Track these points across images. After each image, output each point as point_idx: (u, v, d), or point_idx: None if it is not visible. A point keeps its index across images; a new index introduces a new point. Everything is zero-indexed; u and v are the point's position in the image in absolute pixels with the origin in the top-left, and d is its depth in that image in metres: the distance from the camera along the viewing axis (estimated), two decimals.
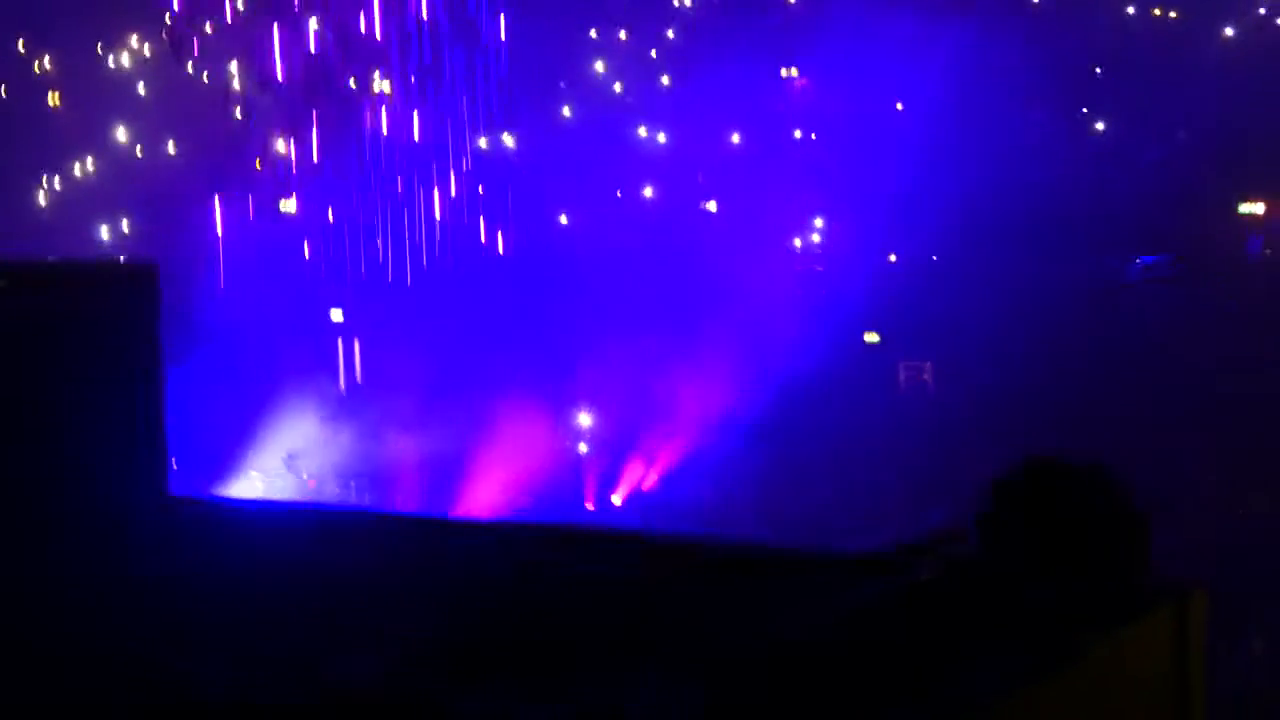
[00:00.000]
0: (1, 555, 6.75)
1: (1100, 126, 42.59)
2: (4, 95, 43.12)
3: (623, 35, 43.63)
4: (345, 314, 41.37)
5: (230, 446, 35.55)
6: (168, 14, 42.11)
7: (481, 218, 41.29)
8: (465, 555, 7.03)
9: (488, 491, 35.36)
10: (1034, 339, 37.44)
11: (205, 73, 41.05)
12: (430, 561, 6.96)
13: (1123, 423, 33.60)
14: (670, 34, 43.53)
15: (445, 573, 6.84)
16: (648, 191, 43.05)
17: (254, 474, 34.78)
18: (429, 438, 36.69)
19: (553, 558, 6.94)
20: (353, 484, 34.84)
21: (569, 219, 42.46)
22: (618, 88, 43.63)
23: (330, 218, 41.09)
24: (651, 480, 35.84)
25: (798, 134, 42.70)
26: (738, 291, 38.55)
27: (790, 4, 43.76)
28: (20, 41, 44.15)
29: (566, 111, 43.49)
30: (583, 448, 38.10)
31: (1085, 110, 42.53)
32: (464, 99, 41.58)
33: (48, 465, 7.04)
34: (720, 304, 38.37)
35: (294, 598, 6.52)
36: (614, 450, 36.97)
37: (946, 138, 39.78)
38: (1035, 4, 43.17)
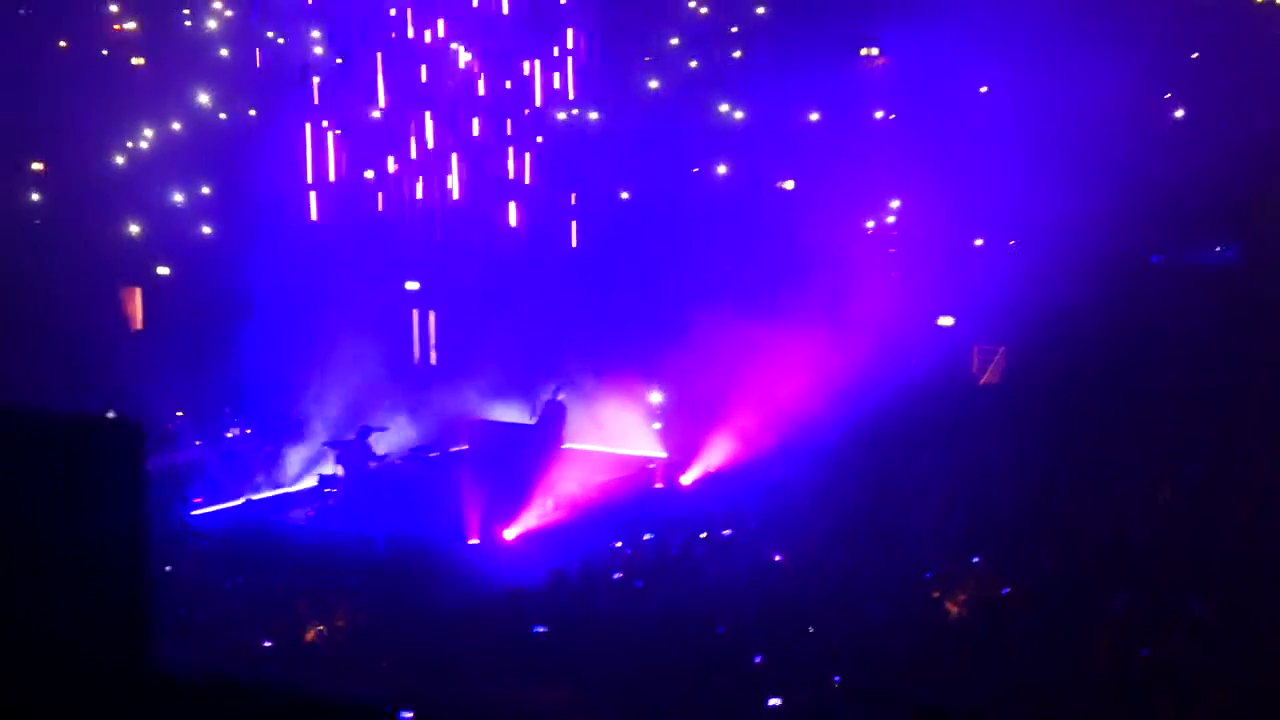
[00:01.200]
0: None
1: (1180, 114, 42.66)
2: (104, 54, 43.89)
3: (703, 10, 44.10)
4: (422, 285, 41.80)
5: (303, 421, 36.11)
6: None
7: (557, 192, 41.93)
8: None
9: (566, 469, 36.38)
10: (1107, 324, 37.67)
11: (281, 37, 41.88)
12: None
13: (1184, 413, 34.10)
14: (754, 10, 43.88)
15: None
16: (723, 169, 43.50)
17: (328, 450, 35.13)
18: (506, 414, 37.52)
19: None
20: (430, 457, 35.66)
21: (644, 195, 42.88)
22: (693, 64, 44.05)
23: (407, 187, 41.88)
24: (718, 461, 36.54)
25: (878, 114, 43.10)
26: (811, 271, 38.95)
27: None
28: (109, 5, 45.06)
29: (648, 85, 43.90)
30: (656, 426, 38.97)
31: (1169, 95, 42.60)
32: (542, 71, 42.29)
33: (18, 634, 6.59)
34: (792, 284, 38.83)
35: None
36: (686, 430, 37.29)
37: (1028, 121, 39.87)
38: None
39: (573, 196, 42.35)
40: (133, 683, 6.71)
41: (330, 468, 35.06)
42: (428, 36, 42.16)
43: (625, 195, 42.85)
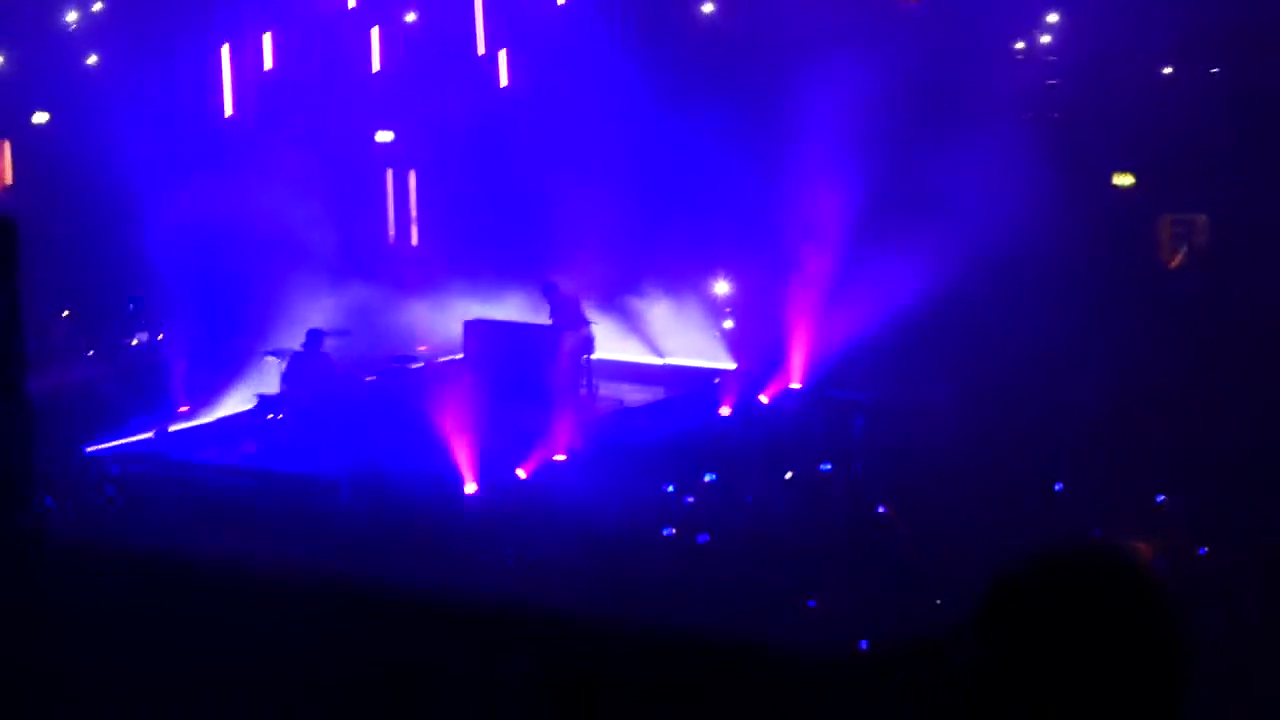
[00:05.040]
0: None
1: None
2: None
3: None
4: (398, 138, 41.13)
5: (234, 323, 35.68)
6: None
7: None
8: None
9: (596, 385, 36.44)
10: None
11: None
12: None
13: None
14: None
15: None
16: None
17: (270, 361, 34.76)
18: (512, 311, 37.46)
19: None
20: (411, 369, 35.36)
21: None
22: None
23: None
24: (808, 375, 36.09)
25: None
26: (940, 110, 38.28)
27: None
28: None
29: None
30: (728, 324, 38.66)
31: None
32: None
33: None
34: (915, 127, 38.16)
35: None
36: (765, 331, 37.16)
37: None
38: None
39: None
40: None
41: (273, 386, 34.62)
42: None
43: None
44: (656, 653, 21.75)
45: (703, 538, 28.25)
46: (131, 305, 36.34)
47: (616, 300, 38.65)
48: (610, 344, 37.73)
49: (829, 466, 31.26)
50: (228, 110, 38.80)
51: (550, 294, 36.67)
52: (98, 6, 41.17)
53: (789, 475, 30.83)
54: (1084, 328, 34.81)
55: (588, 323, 36.36)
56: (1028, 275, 36.22)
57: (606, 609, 24.68)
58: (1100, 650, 4.58)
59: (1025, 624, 4.64)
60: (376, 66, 41.29)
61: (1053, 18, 41.70)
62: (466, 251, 39.17)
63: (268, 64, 39.62)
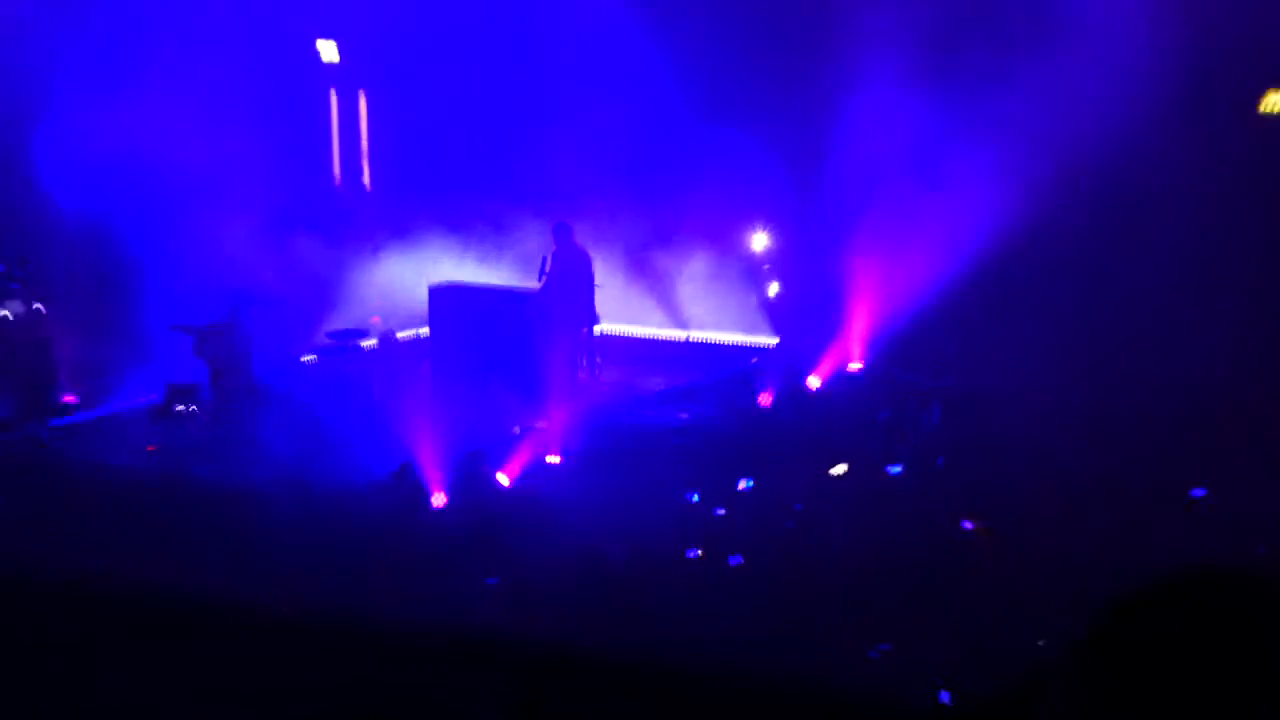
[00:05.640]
0: None
1: None
2: None
3: None
4: (342, 50, 39.64)
5: (136, 289, 33.87)
6: None
7: None
8: None
9: (603, 367, 35.28)
10: None
11: None
12: None
13: None
14: None
15: None
16: None
17: (182, 336, 32.98)
18: (494, 274, 35.84)
19: None
20: (361, 347, 34.40)
21: None
22: None
23: None
24: (868, 353, 34.95)
25: None
26: (1035, 29, 35.79)
27: None
28: None
29: None
30: (772, 290, 37.23)
31: None
32: None
33: None
34: (1000, 54, 34.88)
35: None
36: (813, 301, 35.77)
37: None
38: None
39: None
40: None
41: (183, 369, 33.05)
42: None
43: None
44: (675, 704, 19.83)
45: (736, 560, 26.02)
46: (2, 267, 34.30)
47: (632, 258, 37.58)
48: (621, 313, 37.05)
49: (899, 469, 29.67)
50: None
51: (560, 237, 34.87)
52: None
53: (841, 470, 29.25)
54: (1220, 293, 32.98)
55: (593, 285, 34.67)
56: (1148, 226, 33.67)
57: (612, 652, 23.19)
58: (1238, 703, 4.14)
59: (1140, 667, 4.30)
60: None
61: None
62: (434, 197, 38.01)
63: None
